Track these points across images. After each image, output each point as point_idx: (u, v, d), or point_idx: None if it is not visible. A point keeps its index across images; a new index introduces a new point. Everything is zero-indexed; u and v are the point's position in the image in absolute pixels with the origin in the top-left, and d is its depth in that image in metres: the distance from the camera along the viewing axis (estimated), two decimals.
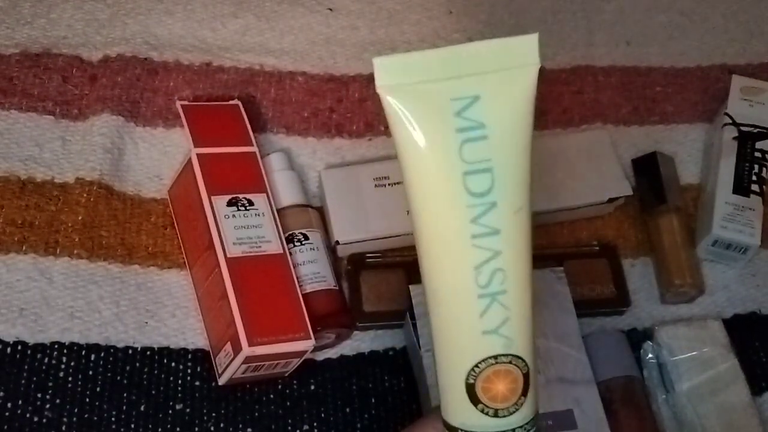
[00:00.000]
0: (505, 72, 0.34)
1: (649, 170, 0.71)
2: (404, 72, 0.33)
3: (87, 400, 0.58)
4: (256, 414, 0.60)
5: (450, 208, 0.35)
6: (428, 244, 0.36)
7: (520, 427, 0.39)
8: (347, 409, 0.61)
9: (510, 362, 0.38)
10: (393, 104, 0.33)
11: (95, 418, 0.58)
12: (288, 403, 0.60)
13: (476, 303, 0.37)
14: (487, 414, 0.38)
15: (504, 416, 0.38)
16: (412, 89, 0.33)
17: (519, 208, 0.35)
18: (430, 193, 0.35)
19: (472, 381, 0.38)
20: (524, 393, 0.39)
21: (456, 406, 0.39)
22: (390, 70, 0.33)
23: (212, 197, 0.61)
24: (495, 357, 0.38)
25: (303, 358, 0.59)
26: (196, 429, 0.58)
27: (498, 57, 0.34)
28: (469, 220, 0.35)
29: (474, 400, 0.38)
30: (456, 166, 0.34)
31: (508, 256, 0.36)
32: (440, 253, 0.36)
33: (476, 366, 0.38)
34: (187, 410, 0.59)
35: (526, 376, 0.38)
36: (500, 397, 0.38)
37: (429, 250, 0.36)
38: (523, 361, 0.38)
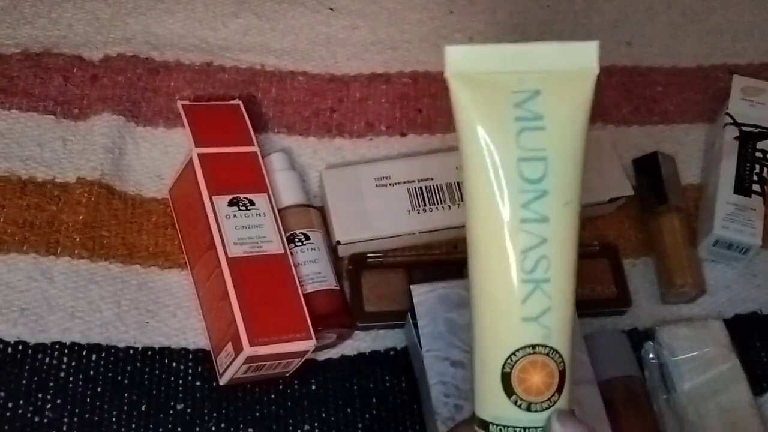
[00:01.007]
0: (566, 72, 0.37)
1: (650, 170, 0.71)
2: (471, 62, 0.36)
3: (88, 400, 0.58)
4: (257, 414, 0.60)
5: (503, 191, 0.37)
6: (479, 226, 0.38)
7: None
8: (348, 409, 0.61)
9: (548, 354, 0.38)
10: (459, 90, 0.36)
11: (96, 418, 0.57)
12: (289, 403, 0.60)
13: (520, 288, 0.37)
14: (520, 407, 0.38)
15: (536, 411, 0.38)
16: (477, 78, 0.36)
17: (568, 201, 0.37)
18: (486, 176, 0.37)
19: (508, 370, 0.38)
20: (559, 391, 0.39)
21: (489, 398, 0.39)
22: (459, 59, 0.36)
23: (213, 197, 0.61)
24: (533, 346, 0.38)
25: (304, 358, 0.59)
26: (197, 429, 0.58)
27: (560, 58, 0.37)
28: (520, 205, 0.37)
29: (508, 391, 0.38)
30: (512, 151, 0.36)
31: (554, 245, 0.37)
32: (490, 236, 0.37)
33: (513, 354, 0.38)
34: (188, 410, 0.59)
35: (562, 374, 0.38)
36: (535, 389, 0.38)
37: (479, 233, 0.38)
38: (560, 356, 0.38)
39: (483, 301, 0.39)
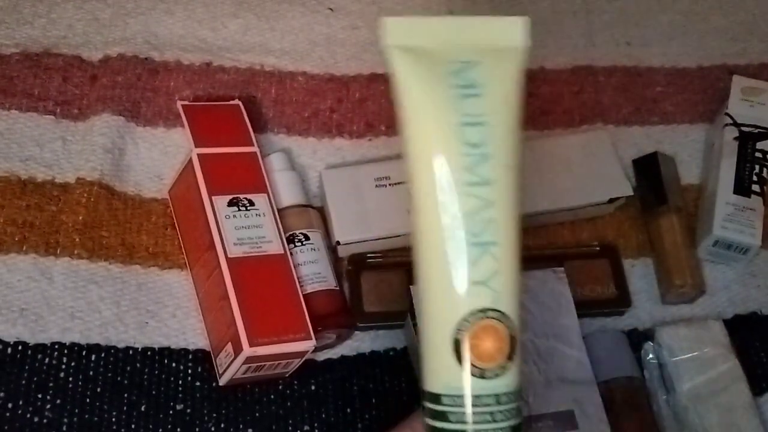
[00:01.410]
0: (497, 43, 0.38)
1: (649, 170, 0.71)
2: (410, 33, 0.37)
3: (87, 400, 0.58)
4: (257, 414, 0.60)
5: (446, 152, 0.37)
6: (424, 189, 0.38)
7: (505, 394, 0.38)
8: (348, 410, 0.61)
9: (498, 319, 0.38)
10: (398, 59, 0.37)
11: (96, 419, 0.58)
12: (289, 404, 0.60)
13: (468, 251, 0.38)
14: (472, 374, 0.38)
15: (489, 378, 0.38)
16: (415, 48, 0.37)
17: (508, 164, 0.38)
18: (428, 139, 0.37)
19: (458, 337, 0.38)
20: (510, 357, 0.38)
21: (441, 368, 0.39)
22: (397, 30, 0.37)
23: (213, 197, 0.61)
24: (483, 311, 0.38)
25: (304, 358, 0.59)
26: (197, 429, 0.58)
27: (493, 30, 0.38)
28: (464, 168, 0.37)
29: (459, 358, 0.38)
30: (452, 115, 0.37)
31: (499, 208, 0.38)
32: (434, 199, 0.38)
33: (465, 319, 0.38)
34: (188, 411, 0.59)
35: (512, 339, 0.38)
36: (487, 355, 0.38)
37: (424, 198, 0.38)
38: (510, 320, 0.38)
39: (430, 267, 0.39)
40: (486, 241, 0.38)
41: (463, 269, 0.38)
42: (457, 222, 0.38)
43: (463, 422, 0.38)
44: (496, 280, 0.38)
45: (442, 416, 0.39)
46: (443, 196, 0.38)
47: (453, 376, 0.38)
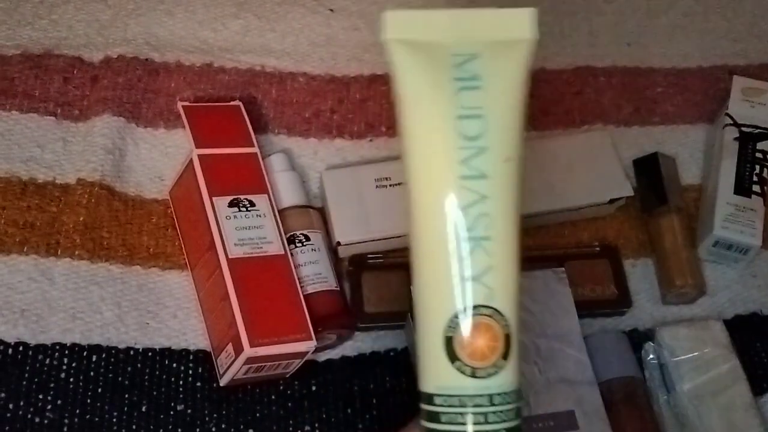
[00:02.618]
0: (501, 36, 0.37)
1: (650, 171, 0.71)
2: (412, 26, 0.37)
3: (88, 401, 0.58)
4: (258, 415, 0.60)
5: (442, 145, 0.37)
6: (418, 183, 0.38)
7: (499, 394, 0.37)
8: (349, 410, 0.61)
9: (491, 316, 0.37)
10: (398, 53, 0.37)
11: (96, 419, 0.58)
12: (289, 404, 0.60)
13: (460, 245, 0.37)
14: (464, 373, 0.37)
15: (482, 377, 0.37)
16: (417, 41, 0.37)
17: (508, 158, 0.37)
18: (425, 128, 0.37)
19: (450, 334, 0.37)
20: (505, 356, 0.37)
21: (433, 367, 0.38)
22: (399, 23, 0.37)
23: (213, 198, 0.61)
24: (476, 307, 0.37)
25: (304, 359, 0.59)
26: (198, 430, 0.58)
27: (498, 23, 0.37)
28: (459, 161, 0.36)
29: (452, 356, 0.37)
30: (450, 108, 0.36)
31: (494, 202, 0.37)
32: (429, 192, 0.37)
33: (456, 316, 0.37)
34: (189, 411, 0.59)
35: (507, 338, 0.37)
36: (479, 353, 0.37)
37: (418, 190, 0.38)
38: (505, 318, 0.37)
39: (423, 262, 0.38)
40: (479, 236, 0.37)
41: (455, 265, 0.37)
42: (452, 216, 0.37)
43: (455, 423, 0.37)
44: (489, 276, 0.37)
45: (435, 417, 0.38)
46: (437, 190, 0.37)
47: (445, 375, 0.37)
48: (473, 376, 0.37)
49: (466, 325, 0.37)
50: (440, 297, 0.38)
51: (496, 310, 0.37)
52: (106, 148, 0.67)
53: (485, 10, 0.37)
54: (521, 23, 0.37)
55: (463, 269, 0.37)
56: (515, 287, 0.38)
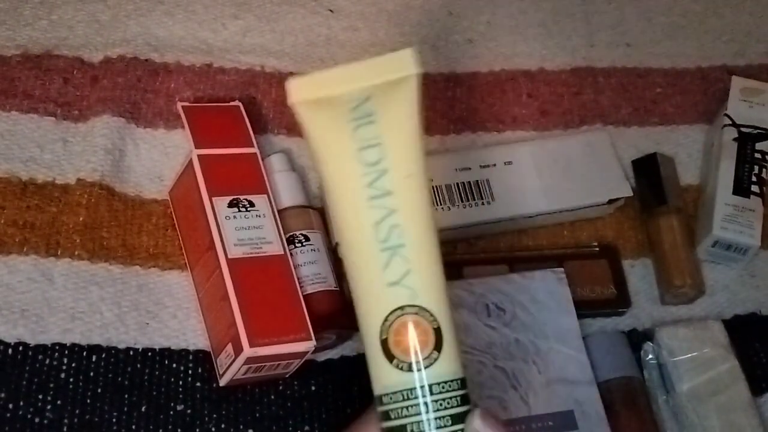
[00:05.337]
0: (390, 78, 0.42)
1: (649, 171, 0.71)
2: (312, 88, 0.42)
3: (88, 401, 0.58)
4: (257, 415, 0.60)
5: (349, 175, 0.41)
6: (338, 207, 0.42)
7: (438, 383, 0.40)
8: (348, 410, 0.61)
9: (416, 313, 0.40)
10: (304, 112, 0.42)
11: (96, 419, 0.58)
12: (289, 404, 0.60)
13: (379, 256, 0.41)
14: (401, 369, 0.40)
15: (419, 370, 0.40)
16: (318, 100, 0.42)
17: (410, 174, 0.41)
18: (334, 165, 0.42)
19: (385, 336, 0.41)
20: (437, 348, 0.40)
21: (377, 370, 0.41)
22: (300, 87, 0.42)
23: (213, 198, 0.61)
24: (401, 308, 0.40)
25: (304, 359, 0.59)
26: (197, 430, 0.58)
27: (385, 67, 0.42)
28: (365, 185, 0.41)
29: (389, 356, 0.40)
30: (351, 143, 0.41)
31: (402, 213, 0.41)
32: (347, 214, 0.42)
33: (386, 320, 0.40)
34: (188, 411, 0.59)
35: (437, 331, 0.40)
36: (411, 348, 0.40)
37: (338, 215, 0.42)
38: (431, 314, 0.40)
39: (354, 275, 0.42)
40: (394, 244, 0.41)
41: (379, 274, 0.41)
42: (367, 233, 0.41)
43: (402, 417, 0.40)
44: (409, 278, 0.41)
45: (386, 416, 0.41)
46: (353, 211, 0.41)
47: (386, 375, 0.41)
48: (410, 370, 0.40)
49: (395, 325, 0.40)
50: (370, 304, 0.41)
51: (421, 307, 0.41)
52: (105, 149, 0.67)
53: (373, 59, 0.42)
54: (405, 62, 0.41)
55: (385, 276, 0.41)
56: (439, 284, 0.41)
